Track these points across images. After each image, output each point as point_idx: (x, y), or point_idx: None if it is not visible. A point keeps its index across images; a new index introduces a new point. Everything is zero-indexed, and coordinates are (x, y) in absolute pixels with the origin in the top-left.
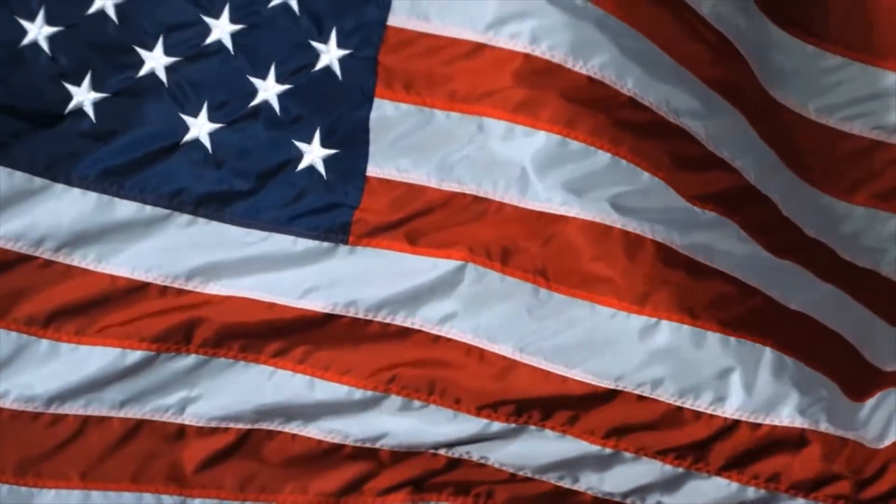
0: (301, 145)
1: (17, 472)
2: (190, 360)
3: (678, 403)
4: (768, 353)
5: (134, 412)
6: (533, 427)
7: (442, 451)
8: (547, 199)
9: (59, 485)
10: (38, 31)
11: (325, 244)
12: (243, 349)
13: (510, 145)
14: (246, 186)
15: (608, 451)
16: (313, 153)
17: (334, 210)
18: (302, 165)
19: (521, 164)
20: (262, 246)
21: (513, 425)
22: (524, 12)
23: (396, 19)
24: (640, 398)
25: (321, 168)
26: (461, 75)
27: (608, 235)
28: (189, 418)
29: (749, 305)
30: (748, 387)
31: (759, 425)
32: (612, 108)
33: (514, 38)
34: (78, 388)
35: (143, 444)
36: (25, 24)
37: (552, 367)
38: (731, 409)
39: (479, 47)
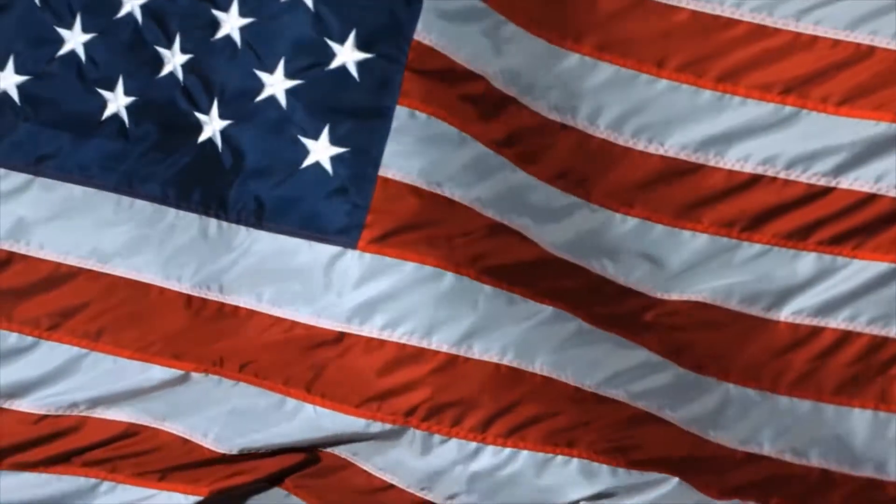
0: (307, 142)
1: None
2: (223, 385)
3: None
4: None
5: (174, 428)
6: (560, 457)
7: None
8: None
9: (88, 474)
10: (75, 39)
11: (336, 248)
12: (265, 376)
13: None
14: (255, 185)
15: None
16: (320, 151)
17: (343, 210)
18: (307, 162)
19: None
20: (276, 250)
21: (541, 456)
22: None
23: (422, 35)
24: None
25: (328, 166)
26: (476, 107)
27: None
28: (220, 446)
29: None
30: None
31: None
32: None
33: (507, 87)
34: (118, 395)
35: (178, 452)
36: (63, 32)
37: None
38: None
39: (488, 86)
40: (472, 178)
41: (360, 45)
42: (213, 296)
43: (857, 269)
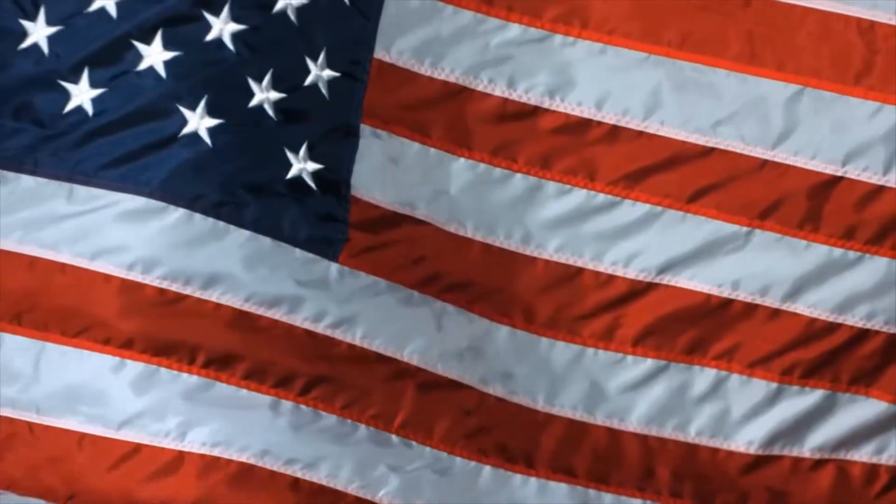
0: (290, 155)
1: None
2: (192, 381)
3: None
4: None
5: (131, 436)
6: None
7: None
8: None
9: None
10: (38, 31)
11: (319, 258)
12: (246, 376)
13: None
14: (238, 186)
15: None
16: (301, 165)
17: (325, 223)
18: (290, 174)
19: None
20: (258, 250)
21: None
22: (504, 57)
23: (380, 52)
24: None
25: (309, 180)
26: (441, 115)
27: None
28: (189, 445)
29: None
30: None
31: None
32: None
33: (492, 83)
34: (73, 396)
35: (139, 467)
36: (27, 24)
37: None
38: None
39: (461, 90)
40: (437, 193)
41: (330, 64)
42: (190, 290)
43: (871, 266)
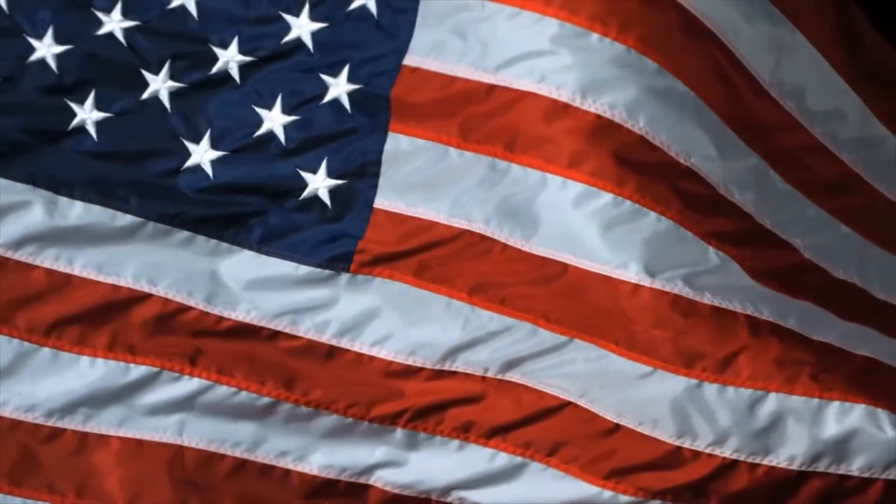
0: (306, 175)
1: (11, 482)
2: (193, 384)
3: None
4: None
5: (133, 433)
6: (537, 464)
7: (434, 496)
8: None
9: (54, 499)
10: (46, 49)
11: (327, 271)
12: (246, 377)
13: (522, 186)
14: (247, 213)
15: (607, 493)
16: (318, 183)
17: (337, 241)
18: (305, 195)
19: (528, 205)
20: (264, 269)
21: (518, 459)
22: (537, 52)
23: (413, 58)
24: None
25: (326, 198)
26: (474, 115)
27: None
28: (188, 440)
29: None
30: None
31: (757, 465)
32: (620, 147)
33: (520, 78)
34: (78, 401)
35: (143, 464)
36: (34, 41)
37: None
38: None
39: (492, 88)
40: (470, 196)
41: (352, 77)
42: (194, 303)
43: None
